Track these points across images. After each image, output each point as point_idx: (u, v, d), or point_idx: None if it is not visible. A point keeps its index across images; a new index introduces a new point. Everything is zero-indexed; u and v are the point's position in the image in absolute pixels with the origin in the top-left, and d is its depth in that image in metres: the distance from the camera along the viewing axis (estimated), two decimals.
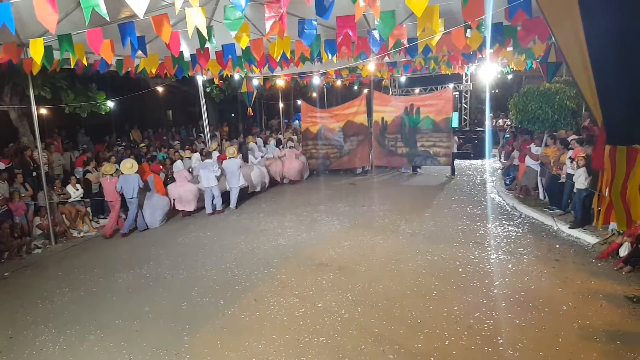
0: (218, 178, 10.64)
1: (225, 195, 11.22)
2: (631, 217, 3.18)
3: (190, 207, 10.67)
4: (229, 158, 11.10)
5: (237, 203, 11.23)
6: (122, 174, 9.47)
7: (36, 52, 5.96)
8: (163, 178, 11.08)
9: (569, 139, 9.19)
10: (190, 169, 11.32)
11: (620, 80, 2.67)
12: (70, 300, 6.41)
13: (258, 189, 12.54)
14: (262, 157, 14.17)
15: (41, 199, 9.41)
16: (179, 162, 11.64)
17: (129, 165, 9.47)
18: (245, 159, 12.88)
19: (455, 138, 13.90)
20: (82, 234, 9.83)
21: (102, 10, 4.39)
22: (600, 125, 3.08)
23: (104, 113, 13.53)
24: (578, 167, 7.87)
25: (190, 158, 12.22)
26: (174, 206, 10.59)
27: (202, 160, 11.31)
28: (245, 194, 12.04)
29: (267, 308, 5.67)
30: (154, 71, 8.43)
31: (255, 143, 14.61)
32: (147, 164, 11.09)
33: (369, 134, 14.59)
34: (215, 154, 11.51)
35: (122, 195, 9.54)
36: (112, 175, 9.56)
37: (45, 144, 11.83)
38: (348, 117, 14.67)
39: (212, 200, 10.73)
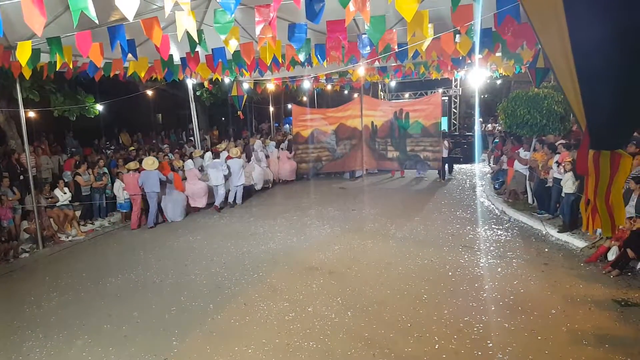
0: (226, 177, 11.41)
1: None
2: (615, 222, 3.20)
3: (202, 204, 11.31)
4: (233, 158, 11.74)
5: (244, 200, 12.02)
6: (144, 169, 10.15)
7: (23, 54, 5.91)
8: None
9: (557, 143, 9.28)
10: (201, 168, 11.96)
11: (604, 85, 2.70)
12: (58, 305, 6.33)
13: (259, 187, 13.24)
14: (266, 157, 14.60)
15: (29, 203, 9.29)
16: (189, 161, 12.06)
17: (151, 162, 10.18)
18: (248, 159, 13.32)
19: (446, 142, 13.92)
20: (70, 238, 9.73)
21: (91, 13, 4.36)
22: (584, 130, 3.10)
23: (92, 116, 13.45)
24: (565, 171, 7.94)
25: (201, 157, 12.80)
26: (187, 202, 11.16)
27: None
28: (251, 192, 12.79)
29: (257, 312, 5.64)
30: (142, 75, 8.39)
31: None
32: (167, 162, 11.65)
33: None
34: (224, 154, 12.05)
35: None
36: (135, 171, 10.27)
37: (33, 147, 11.71)
38: (341, 120, 14.70)
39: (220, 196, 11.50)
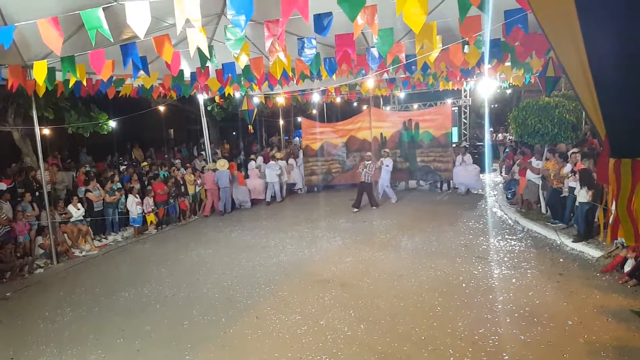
0: (279, 176, 13.85)
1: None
2: (639, 231, 3.15)
3: (262, 196, 13.88)
4: (279, 160, 14.42)
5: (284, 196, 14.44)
6: (217, 169, 12.96)
7: (40, 73, 6.03)
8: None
9: (570, 152, 9.21)
10: (259, 168, 14.45)
11: (622, 93, 2.67)
12: (71, 319, 6.38)
13: (300, 186, 15.41)
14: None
15: (44, 219, 9.41)
16: (252, 162, 14.74)
17: (222, 164, 13.04)
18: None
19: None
20: (84, 253, 9.82)
21: (106, 31, 4.45)
22: (603, 139, 3.07)
23: (105, 133, 13.63)
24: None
25: (255, 160, 15.14)
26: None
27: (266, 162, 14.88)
28: (291, 190, 15.26)
29: (269, 326, 5.63)
30: (147, 86, 8.49)
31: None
32: (233, 163, 14.55)
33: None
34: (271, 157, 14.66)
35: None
36: (211, 171, 13.11)
37: (49, 164, 11.88)
38: (351, 132, 14.75)
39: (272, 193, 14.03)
